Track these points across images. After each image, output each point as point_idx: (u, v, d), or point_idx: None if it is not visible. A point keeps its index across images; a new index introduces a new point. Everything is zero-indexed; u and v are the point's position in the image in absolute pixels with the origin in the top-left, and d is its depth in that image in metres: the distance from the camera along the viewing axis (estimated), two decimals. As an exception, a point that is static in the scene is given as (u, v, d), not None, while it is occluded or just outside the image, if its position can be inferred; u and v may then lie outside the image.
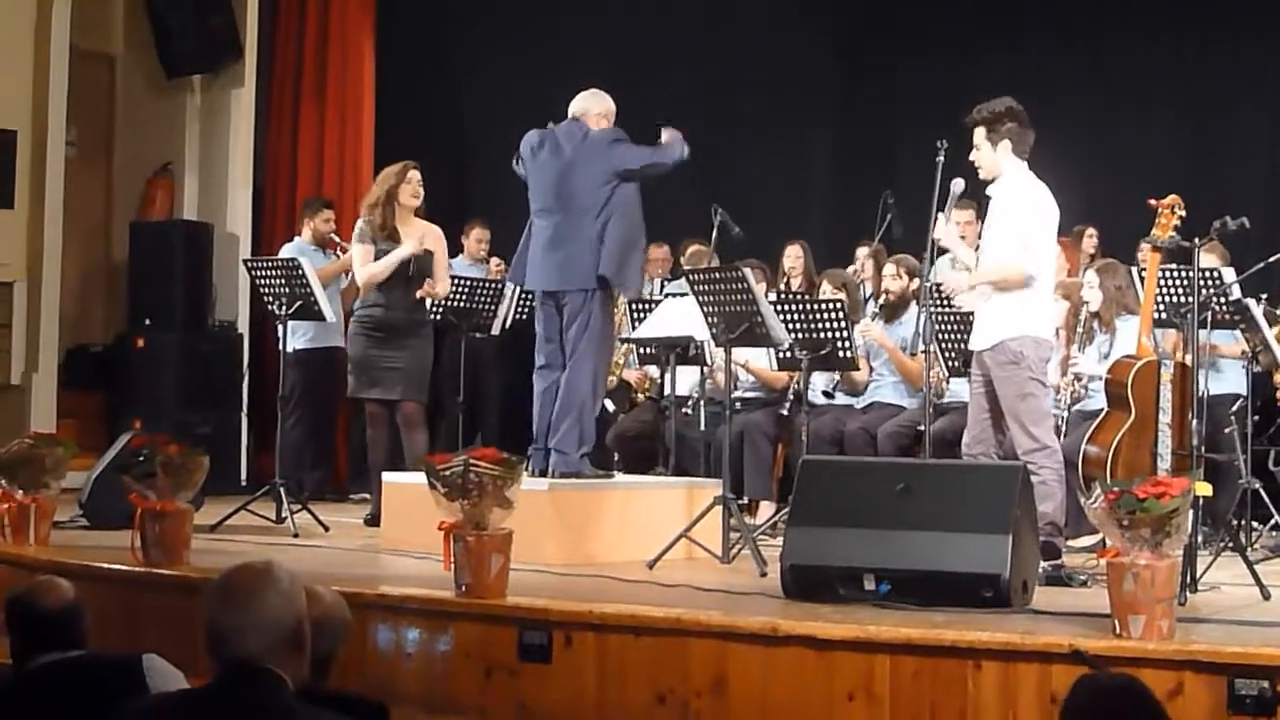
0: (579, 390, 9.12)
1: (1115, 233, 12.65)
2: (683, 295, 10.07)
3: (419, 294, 10.60)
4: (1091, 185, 13.96)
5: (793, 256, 12.48)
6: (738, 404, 10.94)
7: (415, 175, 10.65)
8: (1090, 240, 12.77)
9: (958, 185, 8.45)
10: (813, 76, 15.89)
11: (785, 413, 11.27)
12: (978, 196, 8.86)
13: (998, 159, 8.27)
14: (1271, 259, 10.26)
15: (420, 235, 10.54)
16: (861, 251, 12.27)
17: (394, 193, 10.58)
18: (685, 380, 11.45)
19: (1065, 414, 10.24)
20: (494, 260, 13.35)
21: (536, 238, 9.38)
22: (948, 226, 8.54)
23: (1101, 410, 9.64)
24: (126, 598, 8.08)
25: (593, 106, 9.46)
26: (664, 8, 15.06)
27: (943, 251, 9.15)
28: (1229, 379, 10.66)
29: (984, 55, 14.59)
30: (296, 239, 13.02)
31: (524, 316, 12.24)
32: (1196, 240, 8.01)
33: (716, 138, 15.27)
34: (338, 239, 12.85)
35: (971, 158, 8.37)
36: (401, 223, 10.58)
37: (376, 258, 10.54)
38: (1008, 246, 8.20)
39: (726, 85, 15.45)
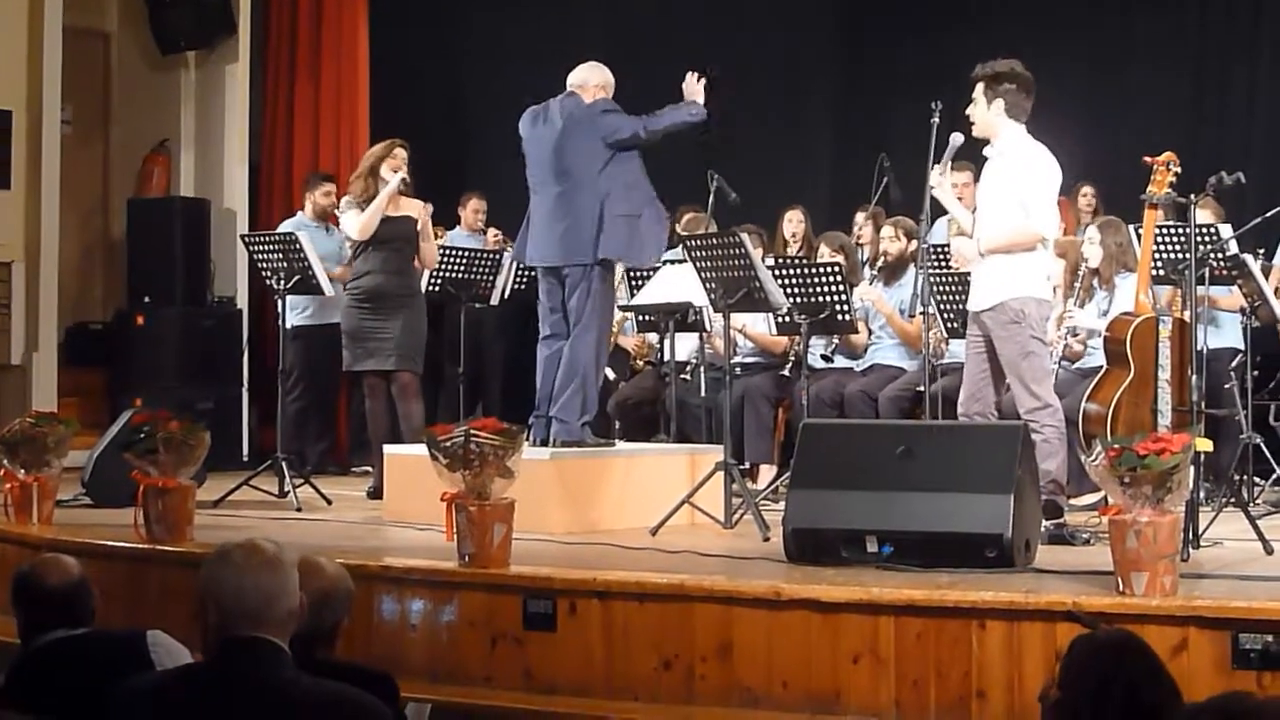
0: (581, 359, 9.12)
1: (1111, 191, 12.64)
2: (680, 262, 10.06)
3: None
4: (1088, 143, 13.93)
5: (794, 221, 12.47)
6: (737, 369, 10.95)
7: (400, 152, 10.70)
8: (1085, 199, 12.75)
9: (956, 139, 8.45)
10: (811, 40, 15.87)
11: (785, 376, 11.27)
12: (975, 158, 8.85)
13: (991, 118, 8.28)
14: (1269, 214, 10.26)
15: (400, 176, 10.56)
16: (860, 216, 12.25)
17: (377, 166, 10.66)
18: (684, 346, 11.46)
19: (1057, 368, 10.23)
20: (491, 230, 13.35)
21: (535, 211, 9.38)
22: (943, 178, 8.54)
23: (1101, 368, 9.65)
24: (130, 575, 8.09)
25: (591, 78, 9.44)
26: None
27: (939, 211, 9.14)
28: (1227, 334, 10.67)
29: (981, 17, 14.59)
30: (298, 214, 13.02)
31: (523, 286, 12.24)
32: (1192, 196, 8.00)
33: (714, 104, 15.26)
34: (339, 213, 12.83)
35: (968, 111, 8.38)
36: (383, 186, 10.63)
37: None
38: (1010, 209, 8.20)
39: (725, 51, 15.40)
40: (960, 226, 8.88)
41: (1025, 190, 8.19)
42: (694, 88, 9.41)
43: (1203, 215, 10.48)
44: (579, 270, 9.16)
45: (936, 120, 8.49)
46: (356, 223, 10.64)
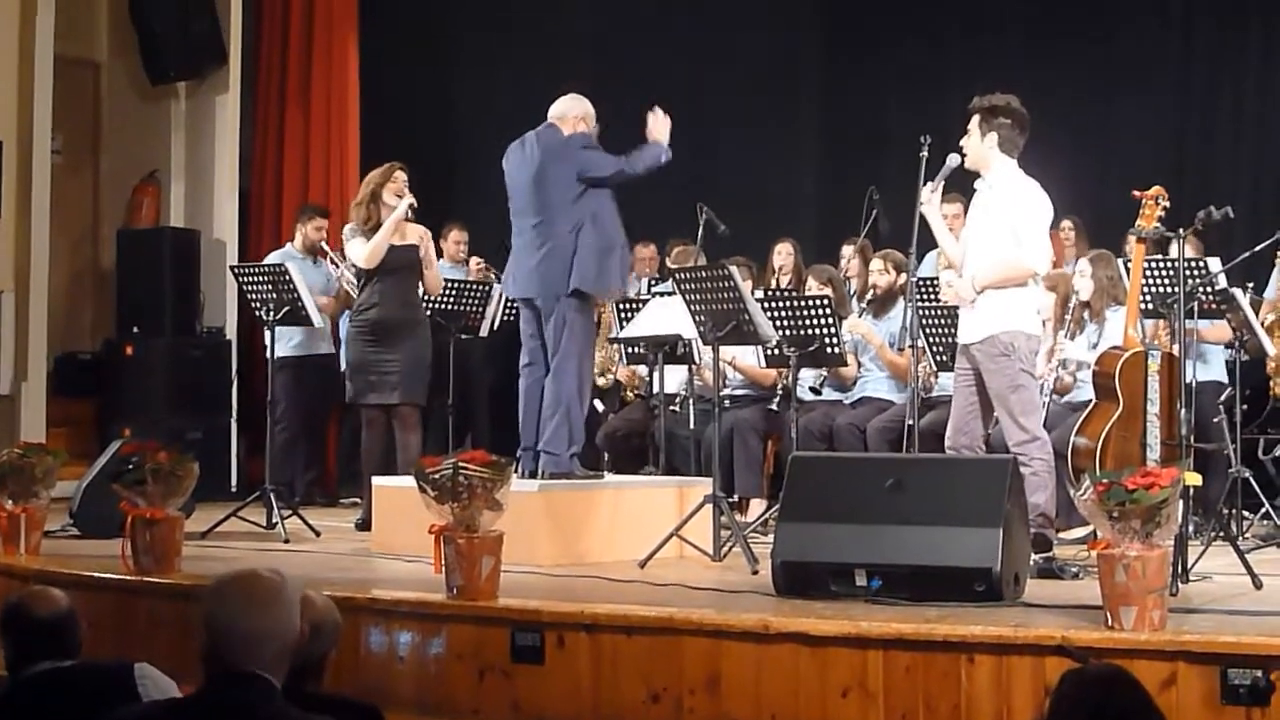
0: (564, 390, 9.11)
1: (1097, 224, 12.67)
2: (670, 294, 10.06)
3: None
4: (1073, 176, 13.97)
5: (783, 254, 12.47)
6: (726, 401, 10.95)
7: (400, 175, 10.66)
8: (1065, 232, 12.77)
9: (953, 159, 8.45)
10: (801, 74, 15.92)
11: (774, 409, 11.26)
12: (965, 189, 8.86)
13: (984, 150, 8.29)
14: (1258, 248, 10.29)
15: (408, 201, 10.54)
16: (847, 249, 12.25)
17: (378, 192, 10.61)
18: (674, 379, 11.46)
19: (1048, 402, 10.24)
20: (474, 260, 13.35)
21: (515, 243, 9.40)
22: (934, 196, 8.54)
23: (1090, 402, 9.66)
24: (118, 606, 8.08)
25: (571, 110, 9.44)
26: (650, 10, 15.06)
27: (928, 245, 9.13)
28: (1213, 368, 10.70)
29: (969, 52, 14.62)
30: (287, 245, 13.01)
31: (512, 317, 12.25)
32: (1180, 231, 8.02)
33: (703, 136, 15.30)
34: (327, 248, 12.83)
35: (962, 142, 8.39)
36: (385, 214, 10.59)
37: None
38: (1003, 244, 8.20)
39: (714, 83, 15.45)
40: (944, 252, 8.88)
41: (1018, 225, 8.20)
42: (658, 125, 9.40)
43: (1186, 250, 10.53)
44: (553, 302, 9.16)
45: (925, 154, 8.51)
46: (363, 251, 10.54)
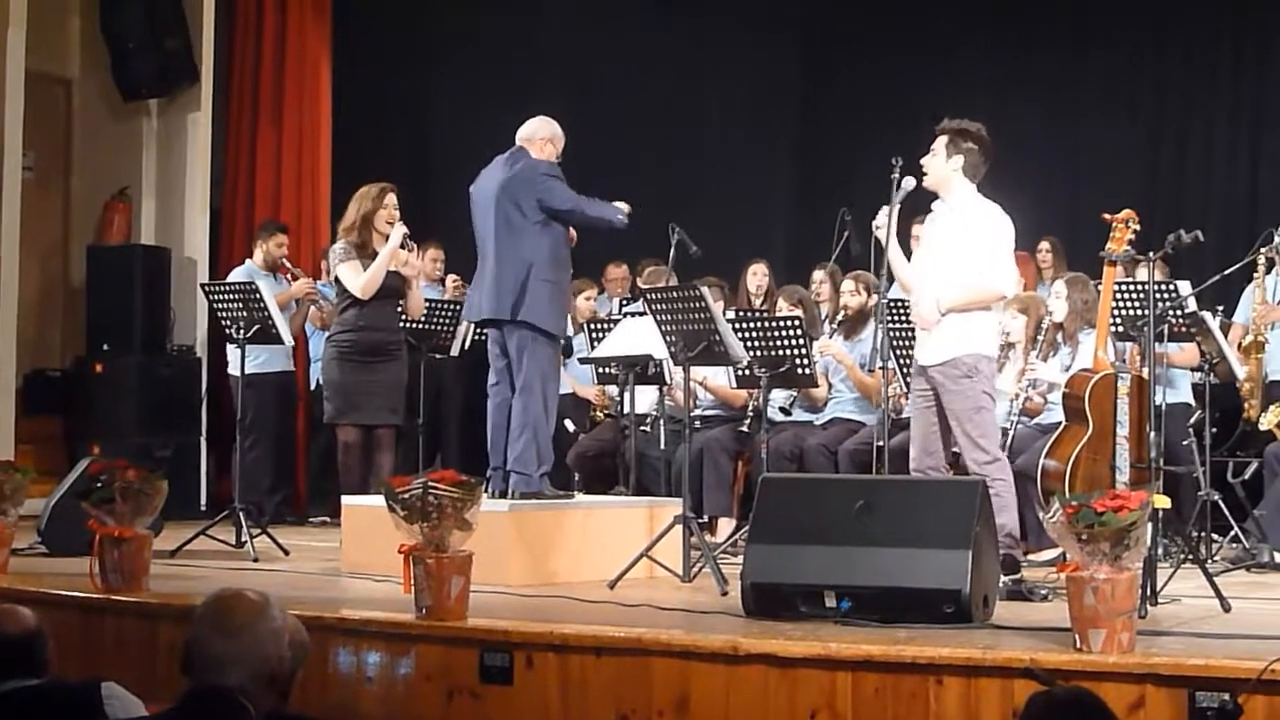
0: (531, 410, 9.10)
1: (1069, 246, 12.72)
2: (641, 314, 10.06)
3: (406, 276, 10.64)
4: (1047, 198, 14.04)
5: (758, 275, 12.51)
6: (697, 422, 10.98)
7: (391, 199, 10.66)
8: (1043, 254, 12.81)
9: (909, 182, 8.47)
10: (775, 96, 15.96)
11: (745, 430, 11.26)
12: (922, 208, 8.87)
13: (947, 172, 8.33)
14: (1228, 271, 10.32)
15: (402, 230, 10.54)
16: (818, 274, 12.25)
17: (370, 218, 10.59)
18: (645, 399, 11.46)
19: (1015, 423, 10.26)
20: (450, 277, 13.35)
21: (479, 269, 9.40)
22: (890, 219, 8.56)
23: (1059, 424, 9.68)
24: (85, 624, 8.04)
25: (539, 131, 9.44)
26: (626, 31, 15.07)
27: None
28: (1182, 390, 10.74)
29: (944, 76, 14.64)
30: (247, 262, 12.98)
31: (482, 337, 12.22)
32: (1151, 254, 8.04)
33: (676, 156, 15.34)
34: (288, 264, 12.81)
35: (923, 161, 8.42)
36: (378, 245, 10.60)
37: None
38: (969, 268, 8.23)
39: (688, 104, 15.49)
40: (896, 275, 8.92)
41: (983, 249, 8.22)
42: (623, 205, 9.49)
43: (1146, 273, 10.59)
44: (514, 325, 9.17)
45: (897, 175, 8.51)
46: (359, 281, 10.53)
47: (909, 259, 8.75)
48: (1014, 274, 8.59)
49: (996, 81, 14.47)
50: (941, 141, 8.37)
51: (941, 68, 14.79)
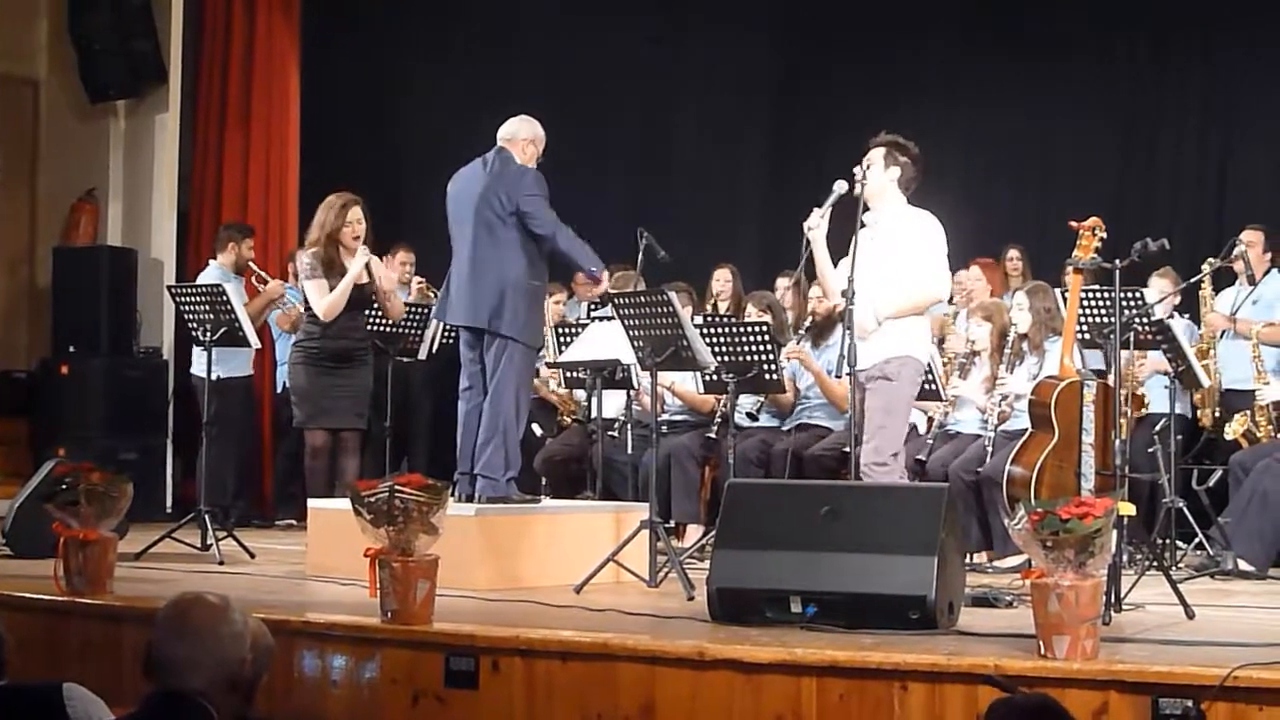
0: (501, 416, 9.08)
1: (1037, 254, 12.75)
2: (609, 319, 10.06)
3: (379, 291, 10.66)
4: (1015, 206, 14.08)
5: (721, 280, 12.49)
6: (664, 427, 10.98)
7: (355, 213, 10.73)
8: (1012, 262, 12.84)
9: (840, 186, 8.59)
10: (744, 100, 15.95)
11: (712, 435, 11.27)
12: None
13: (885, 183, 8.53)
14: (1194, 279, 10.38)
15: (364, 254, 10.61)
16: (782, 282, 12.25)
17: (335, 235, 10.65)
18: (612, 403, 11.46)
19: (993, 434, 10.29)
20: (416, 279, 13.32)
21: (454, 269, 9.35)
22: (822, 222, 8.63)
23: (1026, 431, 9.70)
24: (49, 627, 8.00)
25: (520, 131, 9.40)
26: (596, 33, 15.07)
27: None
28: (1153, 399, 10.78)
29: (915, 83, 14.67)
30: (212, 264, 12.95)
31: (450, 341, 12.22)
32: (1117, 261, 8.06)
33: (646, 161, 15.34)
34: (255, 267, 12.81)
35: (856, 171, 8.52)
36: (345, 259, 10.66)
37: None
38: (906, 274, 8.31)
39: (658, 110, 15.50)
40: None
41: (917, 255, 8.40)
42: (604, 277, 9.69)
43: (1160, 283, 10.69)
44: (492, 333, 9.16)
45: (862, 183, 8.56)
46: (321, 303, 10.69)
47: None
48: (948, 277, 8.82)
49: (968, 89, 14.49)
50: (879, 153, 8.57)
51: (913, 75, 14.82)
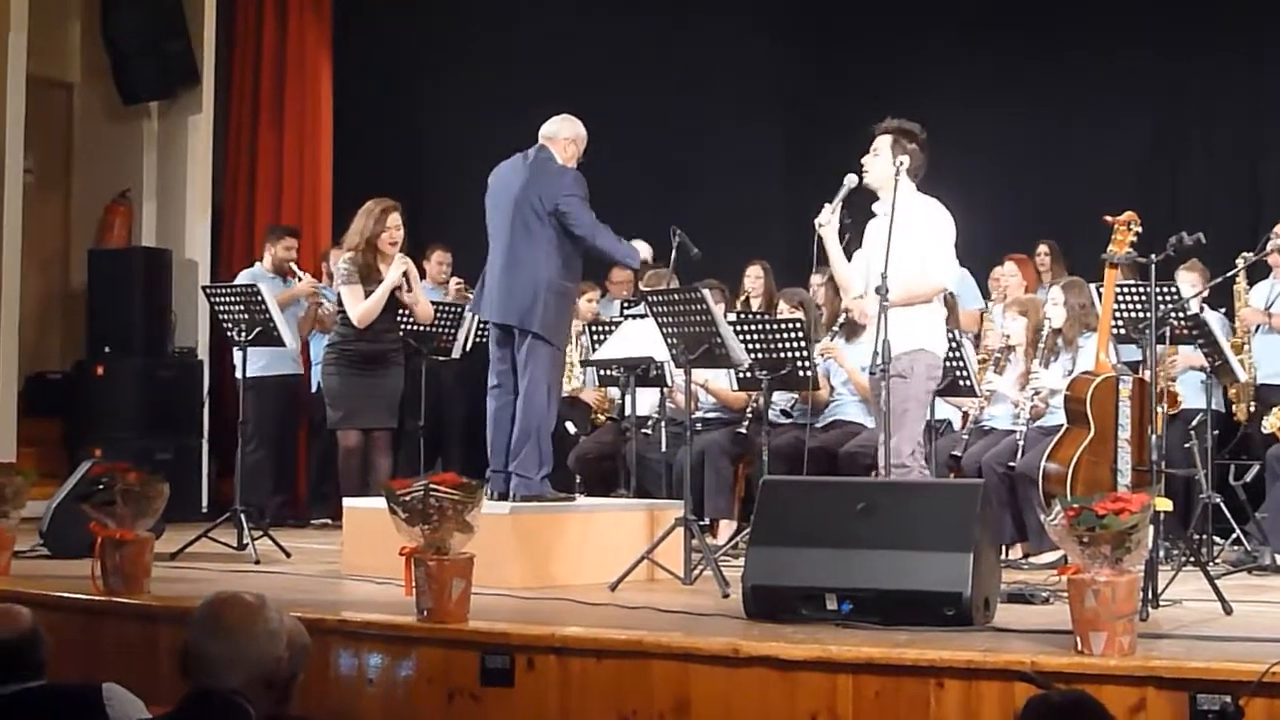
0: (534, 413, 9.09)
1: (1074, 250, 12.70)
2: (642, 316, 10.05)
3: (404, 301, 10.70)
4: (1046, 200, 14.03)
5: (753, 276, 12.47)
6: (698, 424, 10.96)
7: (394, 219, 10.79)
8: (1041, 257, 12.79)
9: (850, 179, 8.61)
10: (774, 96, 15.93)
11: (745, 432, 11.26)
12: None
13: (891, 172, 8.47)
14: (1228, 274, 10.32)
15: (402, 263, 10.66)
16: (815, 279, 12.22)
17: (374, 241, 10.69)
18: (645, 401, 11.45)
19: (1025, 430, 10.26)
20: (454, 281, 13.33)
21: (490, 263, 9.37)
22: (833, 218, 8.62)
23: (1061, 426, 9.66)
24: (86, 627, 8.03)
25: (562, 131, 9.40)
26: (623, 30, 15.07)
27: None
28: (1186, 394, 10.74)
29: (942, 76, 14.62)
30: (255, 265, 13.03)
31: (483, 340, 12.21)
32: (1153, 256, 8.03)
33: (676, 159, 15.32)
34: (295, 268, 12.86)
35: (864, 160, 8.51)
36: (382, 266, 10.71)
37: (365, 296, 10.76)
38: (909, 263, 8.28)
39: (686, 107, 15.47)
40: (835, 274, 9.00)
41: (925, 244, 8.38)
42: (643, 246, 9.56)
43: (1189, 277, 10.65)
44: (523, 331, 9.16)
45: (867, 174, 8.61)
46: (356, 310, 10.77)
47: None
48: (952, 269, 8.78)
49: (995, 82, 14.45)
50: (885, 141, 8.54)
51: (943, 68, 14.76)
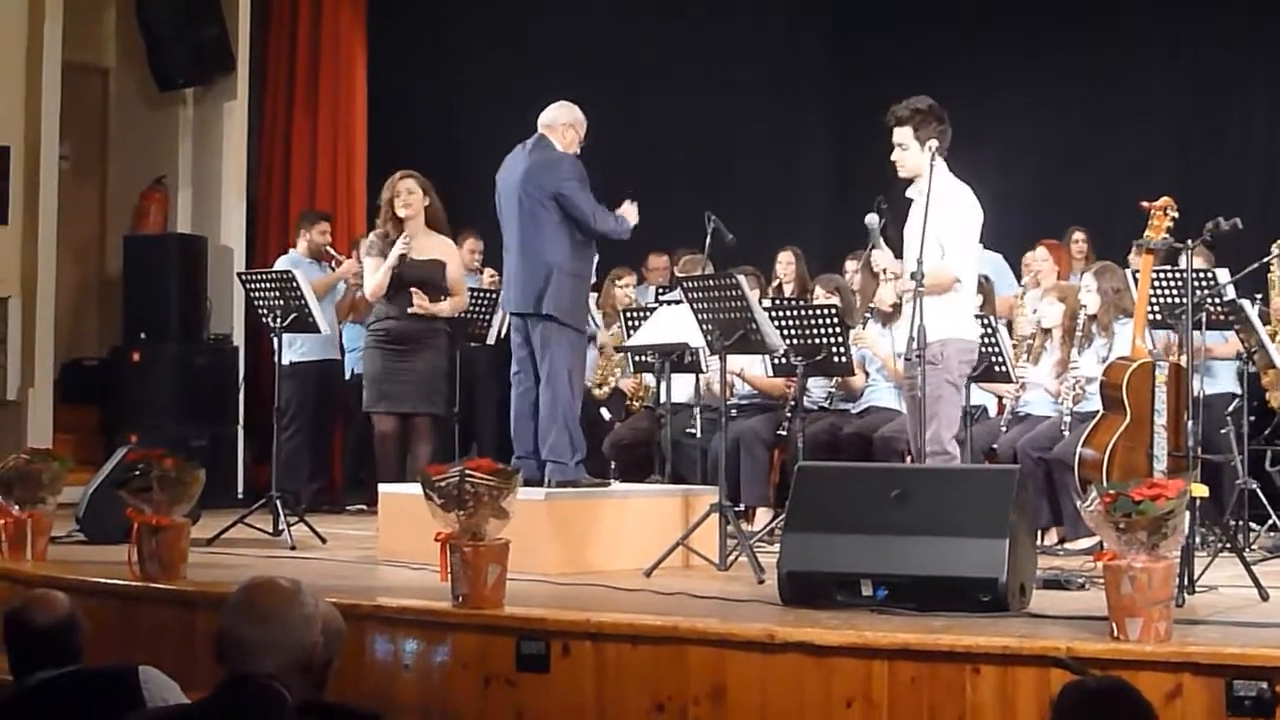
0: (559, 398, 9.12)
1: (1107, 235, 12.66)
2: (677, 302, 10.06)
3: (412, 307, 10.66)
4: (1080, 186, 13.99)
5: (784, 263, 12.44)
6: (733, 411, 10.94)
7: (406, 185, 10.71)
8: (1078, 244, 12.76)
9: (872, 220, 8.60)
10: (808, 82, 15.93)
11: (785, 431, 11.23)
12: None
13: (923, 159, 8.43)
14: (1267, 259, 10.28)
15: (407, 236, 10.61)
16: (850, 265, 12.21)
17: (389, 205, 10.69)
18: (681, 387, 11.44)
19: (1068, 417, 10.23)
20: (488, 271, 13.33)
21: (505, 256, 9.47)
22: (884, 253, 8.66)
23: (1097, 413, 9.64)
24: (123, 612, 8.07)
25: (560, 117, 9.44)
26: (658, 16, 15.07)
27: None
28: (1222, 379, 10.71)
29: (976, 63, 14.60)
30: (291, 251, 13.08)
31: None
32: (1189, 242, 8.01)
33: (711, 145, 15.31)
34: (333, 251, 12.90)
35: (894, 158, 8.50)
36: (414, 233, 10.66)
37: None
38: (928, 250, 8.25)
39: (721, 93, 15.45)
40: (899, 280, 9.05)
41: (944, 231, 8.33)
42: (630, 210, 9.53)
43: (1195, 261, 10.55)
44: (537, 317, 9.18)
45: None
46: (369, 284, 10.82)
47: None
48: (972, 260, 8.71)
49: (1029, 69, 14.43)
50: (907, 132, 8.50)
51: (977, 55, 14.75)
